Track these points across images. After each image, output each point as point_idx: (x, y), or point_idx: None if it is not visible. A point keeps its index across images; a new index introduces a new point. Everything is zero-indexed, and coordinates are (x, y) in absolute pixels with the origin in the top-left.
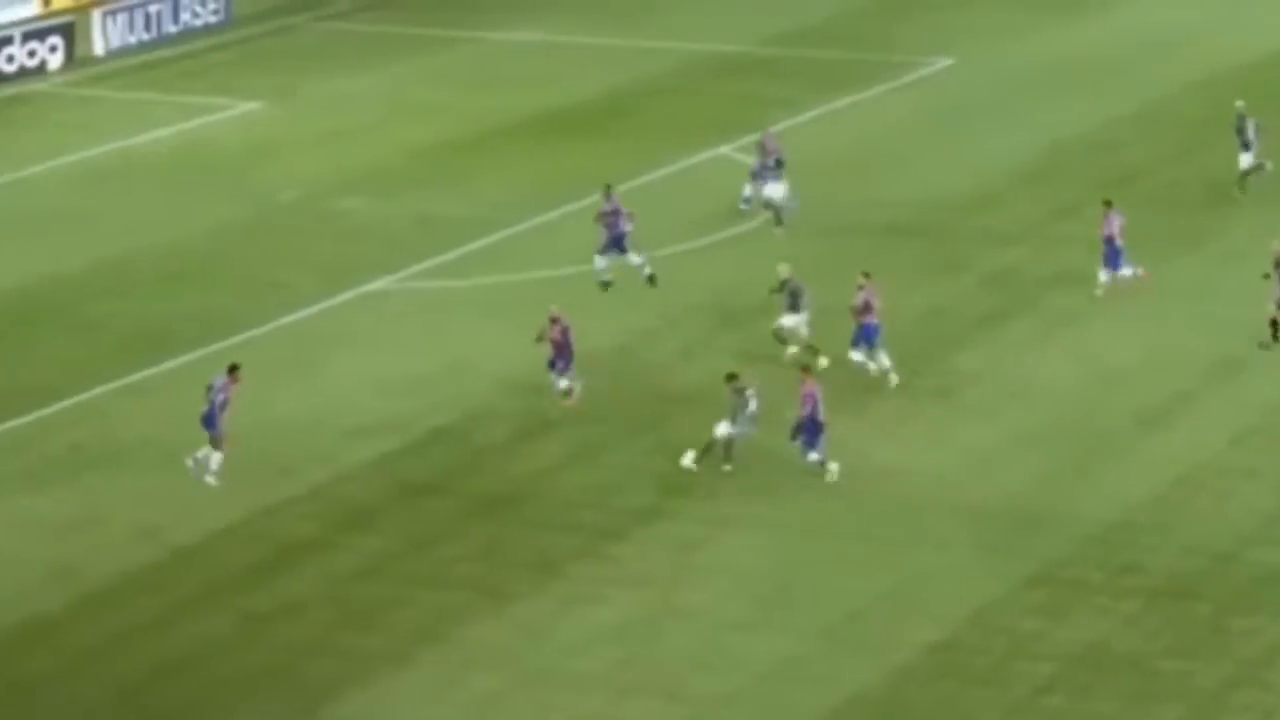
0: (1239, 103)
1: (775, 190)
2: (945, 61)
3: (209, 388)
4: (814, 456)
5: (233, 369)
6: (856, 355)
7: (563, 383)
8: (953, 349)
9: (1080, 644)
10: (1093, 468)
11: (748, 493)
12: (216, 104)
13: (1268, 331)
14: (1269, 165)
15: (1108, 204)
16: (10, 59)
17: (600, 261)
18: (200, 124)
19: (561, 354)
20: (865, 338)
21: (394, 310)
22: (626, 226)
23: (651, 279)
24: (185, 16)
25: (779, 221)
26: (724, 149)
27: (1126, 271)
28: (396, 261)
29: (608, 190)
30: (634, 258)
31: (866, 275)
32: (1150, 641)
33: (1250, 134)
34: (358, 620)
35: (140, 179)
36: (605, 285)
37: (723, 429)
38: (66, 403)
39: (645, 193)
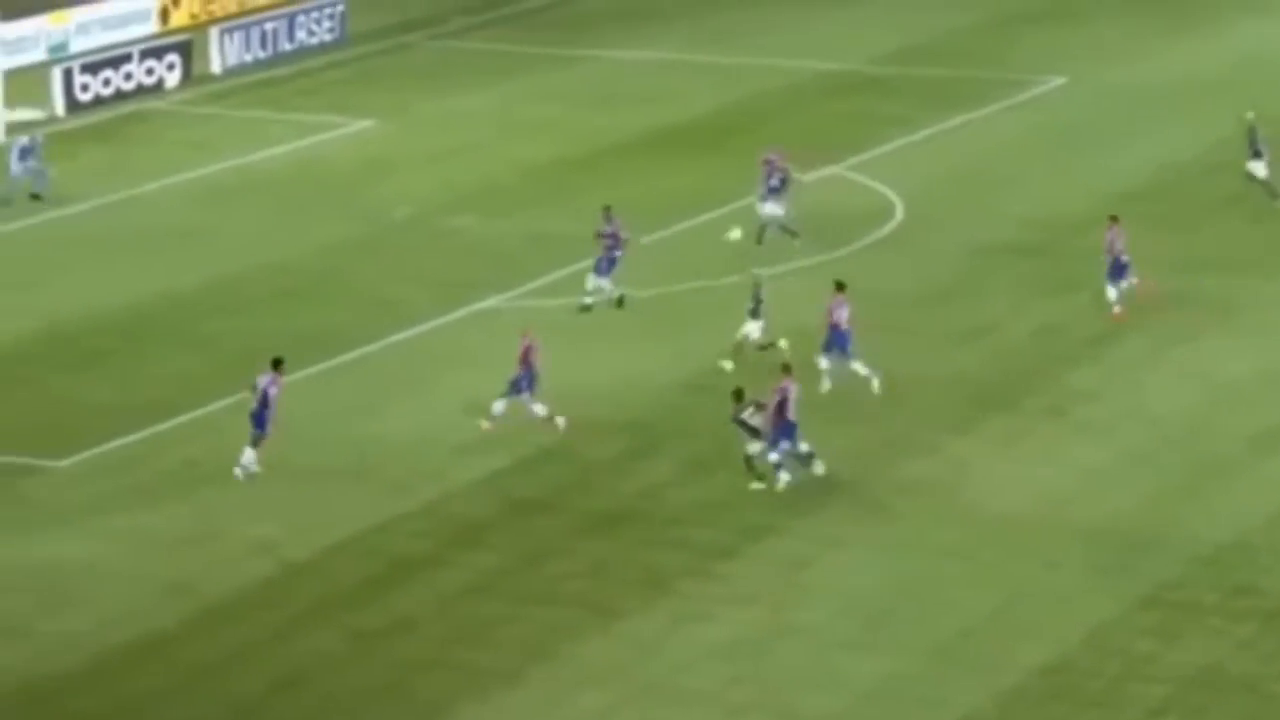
0: (1249, 114)
1: (774, 209)
2: (1058, 80)
3: (253, 386)
4: (774, 456)
5: (277, 363)
6: (824, 362)
7: (537, 407)
8: (1066, 367)
9: (1194, 666)
10: (1206, 488)
11: (858, 511)
12: (331, 122)
13: None
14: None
15: (1113, 219)
16: (128, 77)
17: (594, 282)
18: (315, 142)
19: (528, 375)
20: (838, 345)
21: (505, 328)
22: (618, 252)
23: (620, 301)
24: (301, 35)
25: (759, 240)
26: (837, 168)
27: (1119, 286)
28: (508, 279)
29: (607, 212)
30: (605, 284)
31: (840, 287)
32: (1266, 664)
33: (1261, 145)
34: (468, 637)
35: (255, 197)
36: (588, 307)
37: (753, 447)
38: (181, 419)
39: (755, 212)
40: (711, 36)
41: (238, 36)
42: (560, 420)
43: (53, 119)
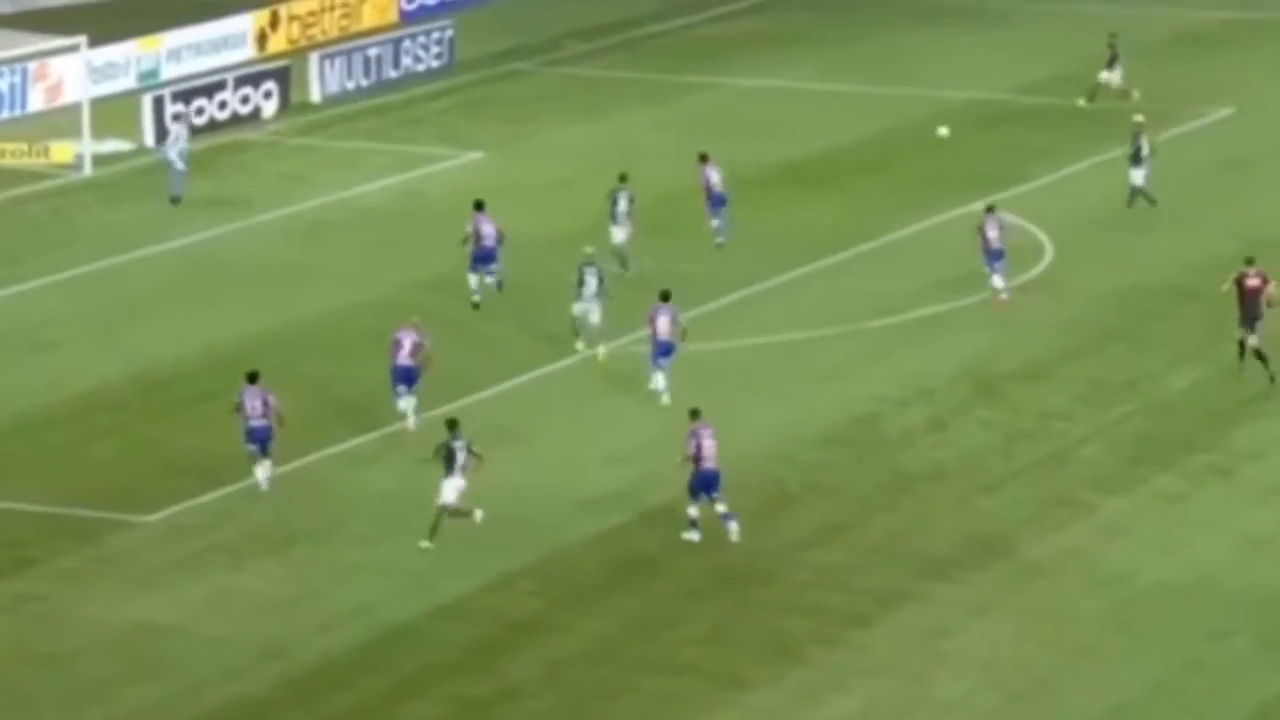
0: (1137, 117)
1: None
2: (1224, 111)
3: (239, 405)
4: (692, 511)
5: (253, 377)
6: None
7: (404, 403)
8: (1230, 423)
9: None
10: None
11: (1004, 576)
12: (437, 154)
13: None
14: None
15: (989, 209)
16: (223, 105)
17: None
18: (420, 175)
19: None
20: (662, 353)
21: (621, 375)
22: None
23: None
24: (406, 61)
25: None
26: (981, 204)
27: (998, 281)
28: (623, 323)
29: (479, 205)
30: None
31: (665, 297)
32: None
33: (1144, 151)
34: (580, 708)
35: (356, 233)
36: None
37: (448, 493)
38: (276, 471)
39: (894, 251)
40: (844, 64)
41: (339, 63)
42: (411, 421)
43: (142, 150)
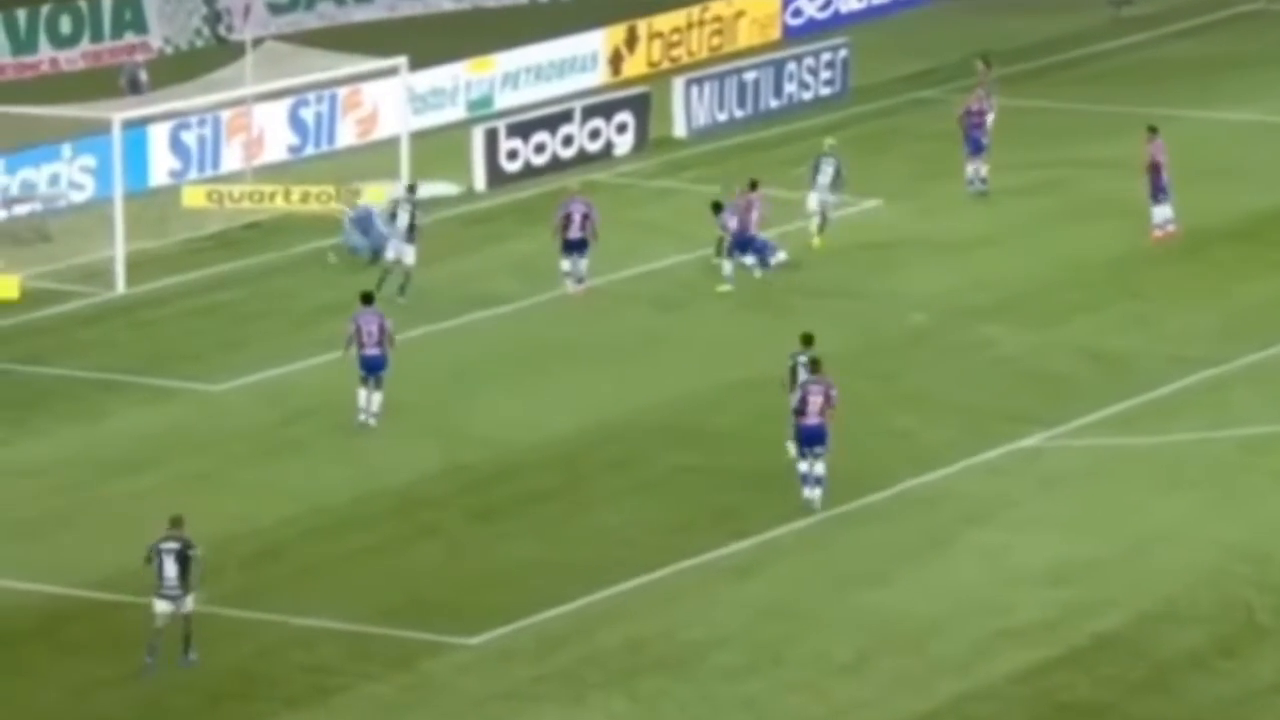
0: None
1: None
2: None
3: (356, 330)
4: (801, 467)
5: (368, 298)
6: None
7: (582, 265)
8: None
9: None
10: None
11: None
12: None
13: None
14: None
15: (754, 184)
16: (568, 140)
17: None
18: (804, 227)
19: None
20: (757, 250)
21: (1051, 474)
22: (732, 225)
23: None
24: (791, 88)
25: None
26: None
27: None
28: (1055, 411)
29: (753, 184)
30: (745, 259)
31: (753, 186)
32: None
33: None
34: None
35: (722, 299)
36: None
37: None
38: (624, 586)
39: None
40: None
41: (708, 89)
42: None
43: (471, 194)
